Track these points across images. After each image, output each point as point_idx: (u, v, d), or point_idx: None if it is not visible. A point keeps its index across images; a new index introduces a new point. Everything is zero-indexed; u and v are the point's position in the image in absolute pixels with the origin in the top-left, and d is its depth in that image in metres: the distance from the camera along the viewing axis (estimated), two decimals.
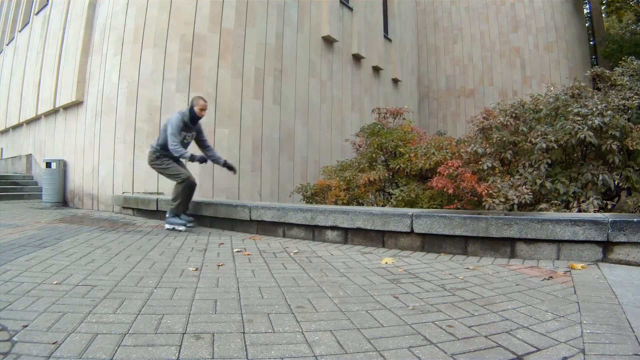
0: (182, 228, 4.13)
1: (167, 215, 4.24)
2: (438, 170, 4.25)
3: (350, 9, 9.82)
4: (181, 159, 4.34)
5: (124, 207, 5.87)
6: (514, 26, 14.82)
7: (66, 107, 7.47)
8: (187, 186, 4.19)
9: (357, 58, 10.03)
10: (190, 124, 4.18)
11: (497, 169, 4.19)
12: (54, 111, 7.86)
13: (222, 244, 3.40)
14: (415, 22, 14.91)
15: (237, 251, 3.07)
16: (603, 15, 18.17)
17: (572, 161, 4.21)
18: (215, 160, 4.40)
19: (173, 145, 4.00)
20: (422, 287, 2.10)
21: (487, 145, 4.26)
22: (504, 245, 2.76)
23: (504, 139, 4.25)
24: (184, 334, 1.46)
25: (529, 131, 4.27)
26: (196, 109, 4.11)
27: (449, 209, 3.99)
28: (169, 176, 4.33)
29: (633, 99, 4.10)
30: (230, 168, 4.41)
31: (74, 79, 6.98)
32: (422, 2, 16.17)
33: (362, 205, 5.05)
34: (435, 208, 4.26)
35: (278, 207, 3.84)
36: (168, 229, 4.15)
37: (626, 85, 4.39)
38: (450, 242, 2.94)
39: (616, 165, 3.83)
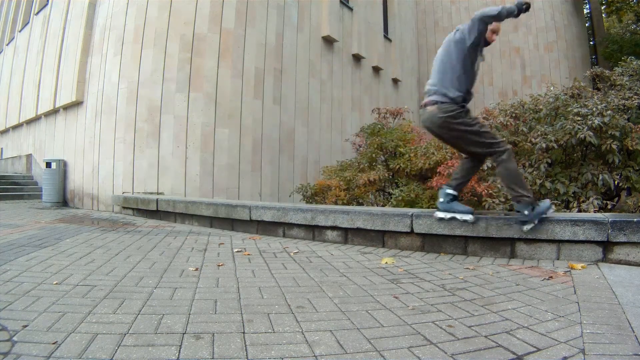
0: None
1: (525, 218, 2.57)
2: (438, 170, 4.25)
3: (350, 9, 9.81)
4: (508, 14, 2.66)
5: (124, 207, 5.87)
6: (514, 26, 14.81)
7: (66, 107, 7.47)
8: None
9: (357, 58, 10.03)
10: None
11: None
12: (54, 111, 7.86)
13: (222, 244, 3.40)
14: (415, 22, 14.91)
15: (237, 251, 3.07)
16: (603, 15, 18.18)
17: (572, 161, 4.21)
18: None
19: (491, 9, 2.62)
20: (422, 287, 2.10)
21: None
22: (504, 245, 2.76)
23: (504, 138, 4.25)
24: (184, 334, 1.46)
25: (529, 131, 4.27)
26: (487, 33, 2.80)
27: None
28: (479, 144, 2.68)
29: (633, 99, 4.10)
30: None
31: (74, 79, 6.98)
32: (422, 2, 16.18)
33: (362, 205, 5.05)
34: (436, 208, 4.24)
35: (278, 207, 3.84)
36: (527, 229, 2.59)
37: (626, 85, 4.39)
38: (451, 242, 2.94)
39: (616, 165, 3.83)
